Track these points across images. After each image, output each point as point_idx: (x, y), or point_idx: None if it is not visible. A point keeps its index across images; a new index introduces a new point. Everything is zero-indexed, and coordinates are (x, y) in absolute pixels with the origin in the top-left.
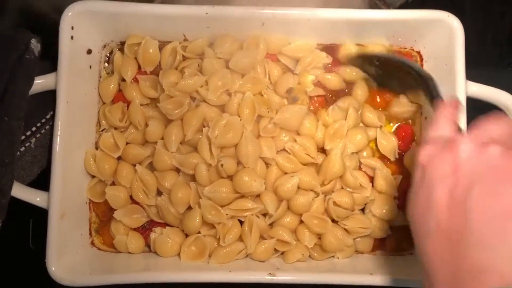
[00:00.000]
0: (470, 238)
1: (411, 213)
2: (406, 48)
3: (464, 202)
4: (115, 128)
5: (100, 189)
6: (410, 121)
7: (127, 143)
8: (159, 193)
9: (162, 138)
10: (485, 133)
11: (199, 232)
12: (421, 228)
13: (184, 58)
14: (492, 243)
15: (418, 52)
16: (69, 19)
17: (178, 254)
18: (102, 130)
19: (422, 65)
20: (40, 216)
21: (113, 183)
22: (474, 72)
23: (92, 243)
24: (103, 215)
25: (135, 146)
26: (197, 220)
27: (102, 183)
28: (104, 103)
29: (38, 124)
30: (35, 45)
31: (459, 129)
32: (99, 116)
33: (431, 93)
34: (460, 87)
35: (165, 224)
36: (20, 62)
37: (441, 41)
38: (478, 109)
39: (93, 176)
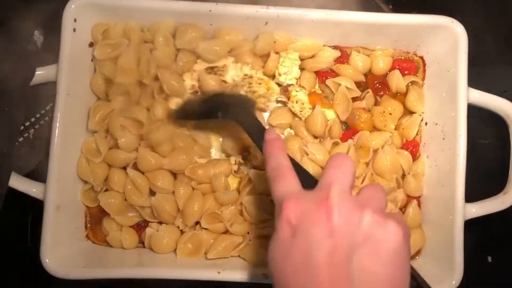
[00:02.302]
0: None
1: (277, 266)
2: (409, 53)
3: (345, 268)
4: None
5: (94, 195)
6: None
7: (110, 148)
8: (151, 193)
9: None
10: (345, 185)
11: (195, 229)
12: (295, 284)
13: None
14: None
15: (421, 57)
16: (72, 11)
17: (173, 251)
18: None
19: (424, 70)
20: (38, 214)
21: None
22: (473, 72)
23: (87, 237)
24: (95, 216)
25: (119, 150)
26: (196, 208)
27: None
28: (99, 98)
29: (38, 115)
30: (38, 37)
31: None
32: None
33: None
34: (462, 94)
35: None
36: (22, 54)
37: (444, 47)
38: (479, 116)
39: (86, 182)
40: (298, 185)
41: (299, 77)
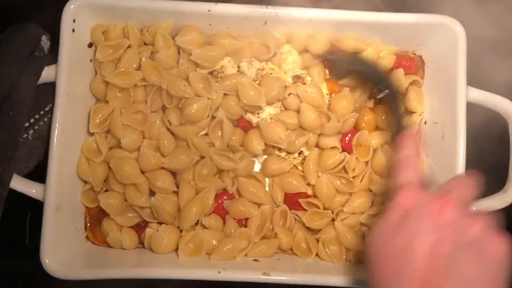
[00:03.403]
0: None
1: (376, 249)
2: (408, 52)
3: (445, 265)
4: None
5: (93, 195)
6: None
7: (111, 148)
8: (151, 193)
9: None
10: (462, 197)
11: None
12: (391, 268)
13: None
14: None
15: (420, 57)
16: (71, 11)
17: (173, 251)
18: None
19: (423, 69)
20: (37, 214)
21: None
22: (473, 72)
23: (87, 237)
24: (94, 216)
25: (120, 150)
26: (194, 211)
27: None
28: (98, 100)
29: (37, 116)
30: (45, 42)
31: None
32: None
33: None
34: (461, 92)
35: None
36: (29, 59)
37: (443, 46)
38: (478, 115)
39: (86, 182)
40: (418, 179)
41: (308, 68)
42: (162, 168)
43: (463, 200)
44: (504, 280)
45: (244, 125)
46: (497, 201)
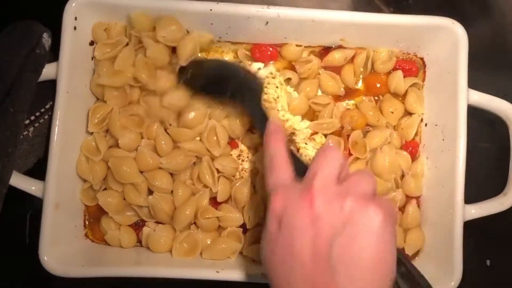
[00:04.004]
0: (338, 285)
1: (268, 262)
2: (409, 54)
3: (328, 255)
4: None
5: (92, 193)
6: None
7: (110, 147)
8: (149, 192)
9: (142, 138)
10: (330, 174)
11: (190, 228)
12: (283, 277)
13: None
14: None
15: (421, 59)
16: (72, 9)
17: (170, 250)
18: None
19: (424, 71)
20: (37, 212)
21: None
22: (473, 74)
23: (86, 235)
24: (93, 214)
25: (119, 149)
26: (188, 212)
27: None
28: (98, 98)
29: (37, 114)
30: (47, 39)
31: (293, 157)
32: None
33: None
34: (462, 95)
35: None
36: (30, 56)
37: (445, 48)
38: (479, 118)
39: (85, 180)
40: (289, 176)
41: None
42: (160, 168)
43: (328, 180)
44: (392, 248)
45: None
46: (497, 204)
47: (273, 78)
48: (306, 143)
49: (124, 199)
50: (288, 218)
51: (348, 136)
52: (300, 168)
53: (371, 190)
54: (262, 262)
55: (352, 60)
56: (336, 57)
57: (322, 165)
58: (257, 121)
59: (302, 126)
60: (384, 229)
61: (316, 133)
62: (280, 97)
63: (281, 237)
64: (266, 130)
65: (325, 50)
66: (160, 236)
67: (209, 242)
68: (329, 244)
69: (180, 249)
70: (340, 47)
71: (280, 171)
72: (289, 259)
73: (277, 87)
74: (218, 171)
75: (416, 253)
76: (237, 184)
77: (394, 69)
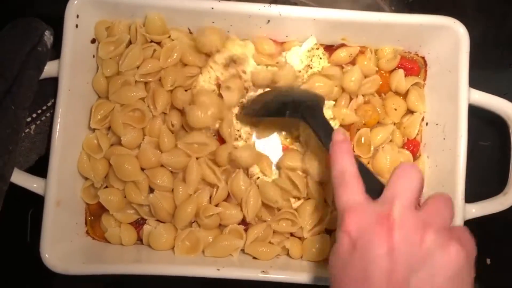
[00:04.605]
0: None
1: (337, 280)
2: (410, 53)
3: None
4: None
5: (93, 191)
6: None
7: (112, 145)
8: (150, 190)
9: (145, 136)
10: (410, 200)
11: (191, 226)
12: None
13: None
14: None
15: (423, 58)
16: (74, 7)
17: (171, 248)
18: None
19: (426, 70)
20: (38, 209)
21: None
22: (474, 73)
23: (87, 233)
24: (94, 212)
25: (121, 147)
26: (189, 210)
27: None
28: (100, 96)
29: (39, 111)
30: (48, 37)
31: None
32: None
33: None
34: (463, 94)
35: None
36: (32, 54)
37: (446, 48)
38: (479, 117)
39: (86, 178)
40: (362, 194)
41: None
42: (161, 166)
43: (408, 207)
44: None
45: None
46: (497, 204)
47: (317, 49)
48: None
49: (125, 197)
50: (363, 243)
51: (358, 130)
52: (370, 182)
53: (451, 218)
54: (330, 277)
55: (363, 53)
56: (341, 55)
57: (402, 188)
58: (322, 136)
59: (328, 104)
60: (463, 270)
61: (332, 118)
62: (325, 67)
63: (354, 260)
64: (332, 140)
65: (327, 49)
66: (161, 234)
67: (210, 240)
68: (406, 280)
69: (182, 247)
70: (342, 45)
71: (353, 188)
72: (362, 285)
73: (320, 58)
74: (219, 165)
75: None
76: (232, 177)
77: (396, 68)
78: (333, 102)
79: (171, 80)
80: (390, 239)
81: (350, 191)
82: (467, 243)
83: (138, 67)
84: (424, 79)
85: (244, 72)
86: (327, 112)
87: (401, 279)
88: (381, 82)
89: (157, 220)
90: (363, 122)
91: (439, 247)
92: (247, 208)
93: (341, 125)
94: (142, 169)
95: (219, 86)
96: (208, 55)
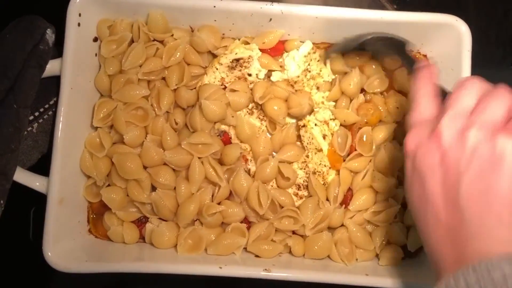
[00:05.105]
0: (469, 229)
1: (410, 204)
2: (412, 51)
3: (456, 195)
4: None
5: (96, 190)
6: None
7: (114, 143)
8: (153, 188)
9: (147, 134)
10: (461, 108)
11: (194, 224)
12: (421, 219)
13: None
14: (489, 233)
15: (425, 56)
16: (76, 5)
17: (174, 247)
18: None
19: None
20: (40, 208)
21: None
22: (476, 72)
23: (90, 231)
24: (96, 211)
25: (123, 145)
26: (191, 209)
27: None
28: (102, 95)
29: (41, 109)
30: (50, 35)
31: (442, 93)
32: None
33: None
34: None
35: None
36: (34, 52)
37: (448, 45)
38: None
39: (89, 177)
40: (430, 112)
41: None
42: (164, 164)
43: (459, 113)
44: None
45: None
46: None
47: (314, 53)
48: (316, 124)
49: (127, 195)
50: (419, 159)
51: (360, 128)
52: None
53: (502, 114)
54: (407, 198)
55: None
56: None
57: (457, 98)
58: (409, 64)
59: (328, 105)
60: None
61: (332, 119)
62: (323, 69)
63: (414, 179)
64: (417, 66)
65: (329, 47)
66: (163, 232)
67: (213, 238)
68: (457, 183)
69: (185, 245)
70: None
71: (421, 106)
72: (424, 200)
73: (318, 60)
74: (225, 164)
75: (420, 249)
76: (234, 175)
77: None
78: (333, 103)
79: (176, 79)
80: (440, 148)
81: (418, 108)
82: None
83: (141, 66)
84: None
85: (250, 74)
86: (326, 113)
87: (453, 183)
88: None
89: (160, 219)
90: (365, 120)
91: (484, 141)
92: (252, 206)
93: (342, 126)
94: (145, 168)
95: (224, 87)
96: (214, 55)
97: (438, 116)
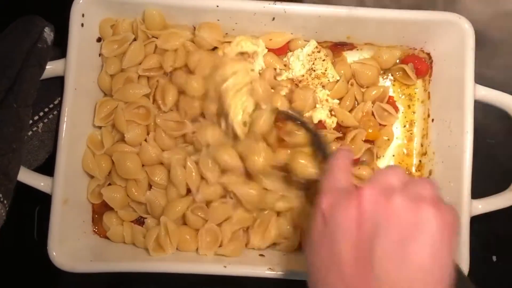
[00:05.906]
0: None
1: (311, 262)
2: (415, 49)
3: (370, 257)
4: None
5: (97, 190)
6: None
7: (116, 141)
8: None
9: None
10: (384, 181)
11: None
12: (321, 277)
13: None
14: None
15: (428, 54)
16: (80, 6)
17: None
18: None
19: (431, 66)
20: (45, 207)
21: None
22: (480, 68)
23: (94, 231)
24: (97, 211)
25: (124, 144)
26: (179, 208)
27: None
28: (106, 94)
29: (46, 109)
30: (48, 34)
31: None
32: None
33: (322, 150)
34: (469, 90)
35: None
36: (32, 51)
37: (452, 44)
38: (485, 113)
39: (92, 177)
40: (344, 182)
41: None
42: (161, 163)
43: (383, 185)
44: (446, 263)
45: None
46: (504, 200)
47: (318, 52)
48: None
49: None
50: (333, 218)
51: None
52: None
53: (429, 194)
54: (306, 257)
55: None
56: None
57: (377, 176)
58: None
59: (332, 102)
60: (439, 240)
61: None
62: (328, 69)
63: (325, 237)
64: (337, 151)
65: (333, 46)
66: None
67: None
68: (372, 245)
69: (155, 246)
70: (347, 44)
71: (338, 176)
72: (330, 261)
73: (323, 60)
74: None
75: None
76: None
77: (401, 63)
78: (337, 101)
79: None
80: (357, 210)
81: (333, 177)
82: (446, 211)
83: (140, 64)
84: (430, 76)
85: (252, 70)
86: (324, 112)
87: (367, 247)
88: None
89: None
90: (364, 131)
91: (407, 208)
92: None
93: (338, 125)
94: (143, 166)
95: None
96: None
97: (356, 186)
